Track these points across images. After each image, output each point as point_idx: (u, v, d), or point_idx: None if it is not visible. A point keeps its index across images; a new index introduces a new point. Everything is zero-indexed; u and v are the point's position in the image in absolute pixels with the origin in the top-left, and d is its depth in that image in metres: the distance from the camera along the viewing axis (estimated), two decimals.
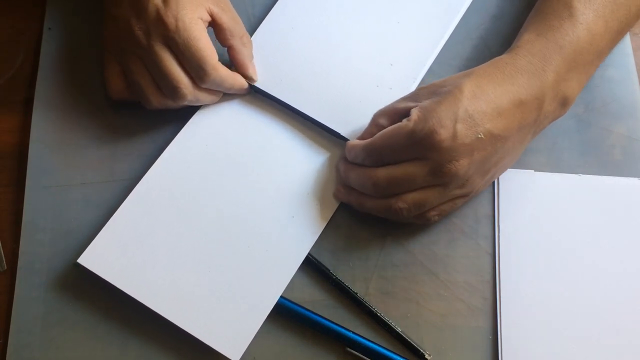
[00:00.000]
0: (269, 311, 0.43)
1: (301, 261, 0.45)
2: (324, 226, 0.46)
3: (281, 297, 0.44)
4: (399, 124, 0.42)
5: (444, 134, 0.39)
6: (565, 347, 0.44)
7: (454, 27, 0.52)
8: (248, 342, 0.43)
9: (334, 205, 0.47)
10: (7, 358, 0.43)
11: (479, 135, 0.40)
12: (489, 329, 0.45)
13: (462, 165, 0.40)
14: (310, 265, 0.45)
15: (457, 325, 0.45)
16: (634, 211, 0.47)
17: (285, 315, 0.44)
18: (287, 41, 0.51)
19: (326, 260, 0.46)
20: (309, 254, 0.45)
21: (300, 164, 0.48)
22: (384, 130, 0.43)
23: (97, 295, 0.45)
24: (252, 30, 0.51)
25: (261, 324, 0.43)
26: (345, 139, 0.47)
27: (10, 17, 0.53)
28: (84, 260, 0.44)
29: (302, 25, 0.51)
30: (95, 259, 0.44)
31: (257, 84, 0.49)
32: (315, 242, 0.46)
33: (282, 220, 0.46)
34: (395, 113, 0.44)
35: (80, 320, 0.44)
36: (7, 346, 0.43)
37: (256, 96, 0.50)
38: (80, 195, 0.47)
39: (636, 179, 0.48)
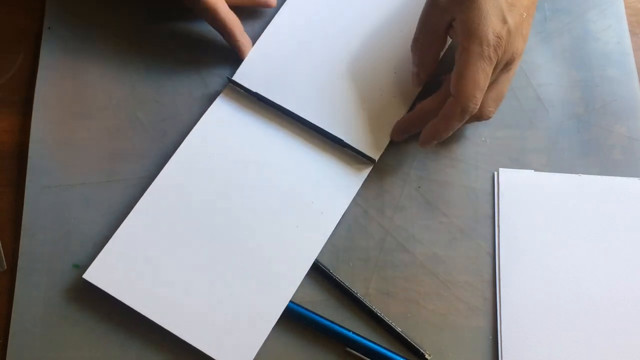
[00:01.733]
0: (273, 324, 0.43)
1: (306, 272, 0.45)
2: (328, 236, 0.46)
3: None
4: (470, 57, 0.41)
5: (502, 33, 0.41)
6: (565, 347, 0.44)
7: None
8: (253, 355, 0.43)
9: (338, 214, 0.46)
10: (7, 358, 0.43)
11: (523, 15, 0.42)
12: (489, 329, 0.45)
13: (520, 48, 0.43)
14: (311, 266, 0.45)
15: (457, 325, 0.45)
16: (634, 211, 0.47)
17: (285, 315, 0.44)
18: (290, 49, 0.51)
19: (326, 260, 0.46)
20: None
21: (304, 173, 0.47)
22: (461, 68, 0.42)
23: (97, 295, 0.45)
24: (255, 37, 0.51)
25: (266, 336, 0.43)
26: (349, 147, 0.47)
27: (10, 17, 0.53)
28: (90, 276, 0.44)
29: (305, 33, 0.51)
30: (101, 274, 0.44)
31: (259, 91, 0.49)
32: None
33: (286, 231, 0.46)
34: (438, 34, 0.45)
35: (80, 320, 0.44)
36: (7, 346, 0.44)
37: (259, 104, 0.49)
38: (80, 195, 0.47)
39: (636, 179, 0.48)
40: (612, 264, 0.46)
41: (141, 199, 0.46)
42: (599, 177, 0.48)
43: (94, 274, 0.44)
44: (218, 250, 0.45)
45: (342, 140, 0.47)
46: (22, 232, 0.46)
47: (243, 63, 0.50)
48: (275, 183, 0.47)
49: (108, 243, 0.45)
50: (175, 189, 0.47)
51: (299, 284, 0.45)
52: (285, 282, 0.44)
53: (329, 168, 0.48)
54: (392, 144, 0.49)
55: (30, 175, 0.47)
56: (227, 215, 0.46)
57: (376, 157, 0.48)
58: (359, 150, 0.47)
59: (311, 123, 0.48)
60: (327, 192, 0.47)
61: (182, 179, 0.47)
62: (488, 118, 0.46)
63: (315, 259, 0.45)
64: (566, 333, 0.44)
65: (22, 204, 0.47)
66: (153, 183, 0.47)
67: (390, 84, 0.50)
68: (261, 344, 0.43)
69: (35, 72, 0.50)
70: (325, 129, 0.48)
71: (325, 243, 0.46)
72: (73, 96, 0.50)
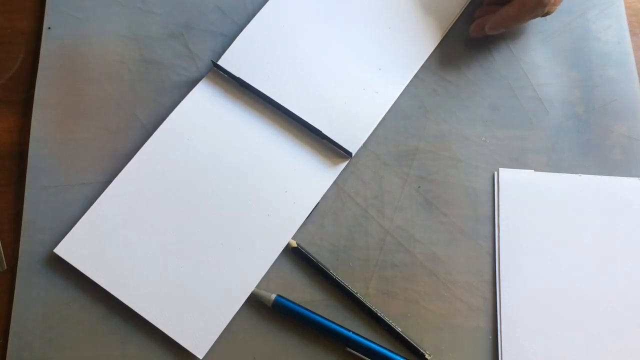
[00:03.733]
0: (236, 311, 0.44)
1: (272, 261, 0.45)
2: (298, 226, 0.46)
3: (281, 296, 0.44)
4: None
5: None
6: (565, 347, 0.44)
7: (443, 35, 0.52)
8: (213, 341, 0.43)
9: (310, 205, 0.47)
10: (7, 358, 0.43)
11: None
12: (489, 329, 0.45)
13: None
14: (311, 265, 0.45)
15: (457, 325, 0.45)
16: (634, 211, 0.47)
17: (285, 315, 0.44)
18: (277, 38, 0.51)
19: (326, 260, 0.46)
20: (309, 254, 0.45)
21: (280, 161, 0.48)
22: None
23: (97, 295, 0.45)
24: (244, 24, 0.51)
25: (227, 323, 0.44)
26: (327, 139, 0.48)
27: (10, 17, 0.53)
28: (61, 250, 0.45)
29: (294, 23, 0.51)
30: (72, 249, 0.45)
31: (244, 78, 0.49)
32: (315, 242, 0.46)
33: (257, 219, 0.46)
34: None
35: (80, 320, 0.44)
36: (7, 346, 0.44)
37: (242, 90, 0.50)
38: (80, 195, 0.47)
39: (636, 179, 0.48)
40: (612, 263, 0.45)
41: (117, 177, 0.47)
42: (599, 177, 0.48)
43: (65, 249, 0.45)
44: (188, 234, 0.45)
45: (321, 132, 0.48)
46: (22, 232, 0.46)
47: (229, 49, 0.50)
48: (251, 169, 0.47)
49: (80, 220, 0.45)
50: (151, 170, 0.47)
51: (264, 274, 0.45)
52: (250, 271, 0.45)
53: (306, 159, 0.48)
54: (385, 141, 0.49)
55: (30, 175, 0.47)
56: (199, 199, 0.46)
57: (354, 150, 0.48)
58: (336, 143, 0.48)
59: (291, 112, 0.48)
60: (301, 182, 0.47)
61: (158, 160, 0.47)
62: (549, 14, 0.48)
63: (315, 259, 0.45)
64: (566, 333, 0.44)
65: (22, 204, 0.47)
66: (130, 162, 0.47)
67: (374, 80, 0.50)
68: (222, 330, 0.43)
69: (35, 72, 0.50)
70: (305, 120, 0.48)
71: (325, 243, 0.46)
72: (73, 96, 0.50)
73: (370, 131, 0.49)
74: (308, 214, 0.46)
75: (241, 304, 0.44)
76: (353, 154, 0.48)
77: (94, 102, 0.50)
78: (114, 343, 0.44)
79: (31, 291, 0.45)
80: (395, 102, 0.50)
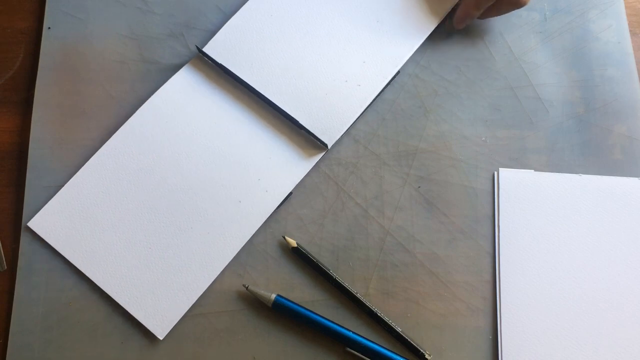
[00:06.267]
0: (199, 294, 0.44)
1: (239, 248, 0.45)
2: (268, 215, 0.46)
3: (281, 297, 0.44)
4: None
5: None
6: (565, 347, 0.44)
7: (430, 32, 0.51)
8: (174, 322, 0.43)
9: (282, 195, 0.47)
10: (7, 358, 0.43)
11: None
12: (489, 329, 0.45)
13: None
14: (311, 265, 0.46)
15: (457, 325, 0.45)
16: (634, 211, 0.47)
17: (285, 315, 0.44)
18: (264, 28, 0.51)
19: (326, 260, 0.46)
20: (309, 254, 0.45)
21: (256, 149, 0.48)
22: None
23: (97, 296, 0.45)
24: (233, 12, 0.52)
25: (190, 305, 0.44)
26: (305, 129, 0.48)
27: (10, 17, 0.53)
28: (34, 224, 0.45)
29: (281, 14, 0.51)
30: (44, 225, 0.45)
31: (227, 65, 0.49)
32: (315, 242, 0.46)
33: (228, 205, 0.46)
34: None
35: (80, 320, 0.44)
36: (7, 346, 0.44)
37: (224, 77, 0.50)
38: None
39: (636, 179, 0.48)
40: (612, 263, 0.46)
41: (93, 156, 0.47)
42: (599, 177, 0.48)
43: (38, 224, 0.45)
44: (159, 216, 0.46)
45: (298, 122, 0.48)
46: (22, 233, 0.46)
47: (215, 36, 0.50)
48: (226, 155, 0.48)
49: (54, 197, 0.46)
50: (127, 151, 0.47)
51: (230, 260, 0.45)
52: (217, 257, 0.45)
53: (282, 148, 0.48)
54: (385, 141, 0.49)
55: (30, 175, 0.47)
56: (172, 182, 0.47)
57: (330, 143, 0.48)
58: (313, 134, 0.48)
59: (271, 101, 0.48)
60: (275, 171, 0.47)
61: (135, 141, 0.48)
62: (524, 4, 0.48)
63: (315, 259, 0.45)
64: (566, 333, 0.44)
65: (22, 204, 0.47)
66: (107, 142, 0.48)
67: (358, 72, 0.50)
68: (184, 313, 0.44)
69: (35, 72, 0.50)
70: (284, 109, 0.48)
71: (325, 243, 0.46)
72: (73, 96, 0.50)
73: (349, 124, 0.48)
74: (279, 203, 0.46)
75: (205, 288, 0.44)
76: (329, 146, 0.48)
77: (94, 102, 0.50)
78: (114, 343, 0.44)
79: (31, 291, 0.45)
80: (395, 102, 0.50)
